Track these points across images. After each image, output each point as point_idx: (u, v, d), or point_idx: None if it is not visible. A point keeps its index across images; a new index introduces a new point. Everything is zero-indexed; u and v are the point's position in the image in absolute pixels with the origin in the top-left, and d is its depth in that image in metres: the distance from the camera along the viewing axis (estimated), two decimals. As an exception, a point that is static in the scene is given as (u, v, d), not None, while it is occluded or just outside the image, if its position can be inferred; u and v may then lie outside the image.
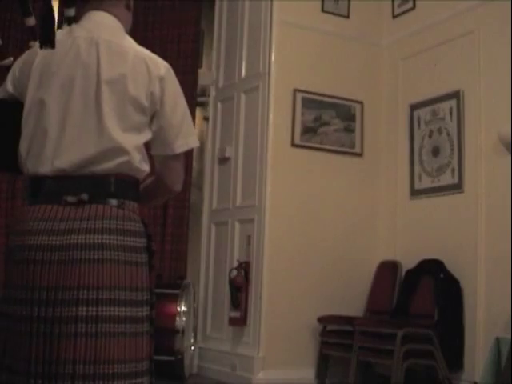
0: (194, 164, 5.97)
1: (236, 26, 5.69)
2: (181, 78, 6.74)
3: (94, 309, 1.71)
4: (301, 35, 5.39)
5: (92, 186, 1.79)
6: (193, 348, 5.37)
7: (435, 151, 5.13)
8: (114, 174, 1.80)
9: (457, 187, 4.90)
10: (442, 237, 4.96)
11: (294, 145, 5.28)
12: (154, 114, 1.87)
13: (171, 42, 5.90)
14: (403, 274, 5.12)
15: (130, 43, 1.91)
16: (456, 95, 4.96)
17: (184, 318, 5.04)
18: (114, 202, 1.80)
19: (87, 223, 1.75)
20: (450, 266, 4.77)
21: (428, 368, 4.56)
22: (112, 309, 1.72)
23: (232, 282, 5.17)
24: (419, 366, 4.62)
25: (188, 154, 5.77)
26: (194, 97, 5.88)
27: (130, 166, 1.81)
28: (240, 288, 5.13)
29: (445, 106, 5.06)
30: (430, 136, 5.19)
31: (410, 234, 5.27)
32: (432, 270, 4.82)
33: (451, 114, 5.01)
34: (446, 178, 5.00)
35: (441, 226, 4.98)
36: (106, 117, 1.78)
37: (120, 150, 1.78)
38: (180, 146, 1.93)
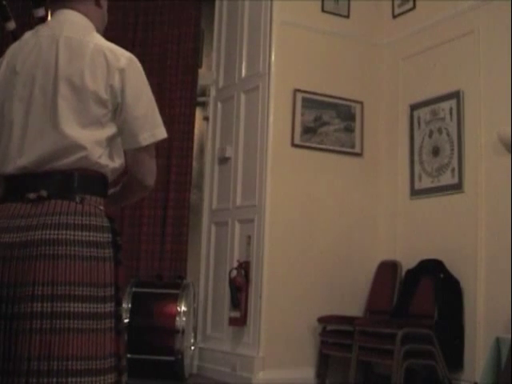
0: (194, 164, 5.97)
1: (236, 26, 5.69)
2: (181, 78, 6.77)
3: (49, 305, 1.69)
4: (301, 35, 5.40)
5: (52, 182, 1.79)
6: (193, 348, 5.37)
7: (435, 151, 5.13)
8: (76, 170, 1.80)
9: (457, 187, 4.90)
10: (442, 237, 4.96)
11: (293, 145, 5.28)
12: (116, 107, 1.85)
13: (171, 42, 5.91)
14: (403, 274, 5.13)
15: (94, 38, 1.88)
16: (456, 95, 4.96)
17: (184, 318, 5.04)
18: (74, 197, 1.79)
19: (45, 219, 1.76)
20: (450, 266, 4.77)
21: (428, 368, 4.56)
22: (68, 305, 1.70)
23: (232, 282, 5.17)
24: (419, 366, 4.61)
25: (188, 154, 5.79)
26: (194, 97, 5.89)
27: (90, 162, 1.80)
28: (240, 288, 5.13)
29: (445, 105, 5.06)
30: (430, 136, 5.19)
31: (410, 234, 5.27)
32: (432, 270, 4.82)
33: (451, 114, 5.01)
34: (446, 178, 5.00)
35: (441, 226, 4.99)
36: (61, 113, 1.79)
37: (76, 146, 1.78)
38: (146, 139, 1.89)
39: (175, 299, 5.09)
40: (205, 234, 5.83)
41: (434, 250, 4.94)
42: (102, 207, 1.84)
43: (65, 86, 1.81)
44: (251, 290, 5.11)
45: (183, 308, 5.06)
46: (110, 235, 1.83)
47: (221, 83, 5.86)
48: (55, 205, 1.77)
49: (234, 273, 5.19)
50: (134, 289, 5.18)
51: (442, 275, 4.74)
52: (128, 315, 5.03)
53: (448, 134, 5.03)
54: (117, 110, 1.85)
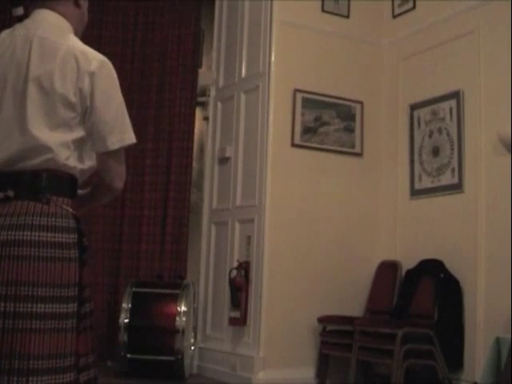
0: (194, 164, 5.97)
1: (236, 26, 5.69)
2: (181, 78, 6.76)
3: (12, 305, 1.71)
4: (301, 35, 5.40)
5: (19, 182, 1.80)
6: (193, 348, 5.37)
7: (435, 151, 5.13)
8: (44, 170, 1.80)
9: (457, 187, 4.90)
10: (441, 237, 4.96)
11: (293, 145, 5.28)
12: (85, 111, 1.84)
13: (171, 42, 5.91)
14: (403, 273, 5.12)
15: (68, 40, 1.88)
16: (456, 95, 4.96)
17: (184, 318, 5.04)
18: (40, 197, 1.79)
19: (11, 219, 1.76)
20: (450, 266, 4.77)
21: (428, 368, 4.56)
22: (30, 305, 1.71)
23: (232, 282, 5.17)
24: (419, 366, 4.61)
25: (188, 154, 5.79)
26: (194, 97, 5.89)
27: (57, 163, 1.80)
28: (240, 288, 5.13)
29: (445, 105, 5.06)
30: (430, 136, 5.19)
31: (410, 234, 5.27)
32: (432, 270, 4.82)
33: (451, 114, 5.01)
34: (446, 178, 5.00)
35: (441, 226, 4.99)
36: (29, 114, 1.79)
37: (43, 148, 1.78)
38: (114, 143, 1.88)
39: (175, 299, 5.09)
40: (205, 234, 5.83)
41: (434, 250, 4.94)
42: (69, 208, 1.84)
43: (34, 88, 1.81)
44: (251, 289, 5.11)
45: (183, 308, 5.06)
46: (76, 236, 1.83)
47: (221, 83, 5.86)
48: (21, 205, 1.78)
49: (234, 273, 5.19)
50: (134, 289, 5.18)
51: (442, 275, 4.74)
52: (128, 315, 5.03)
53: (448, 134, 5.03)
54: (86, 113, 1.84)
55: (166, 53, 5.90)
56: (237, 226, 5.40)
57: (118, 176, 1.95)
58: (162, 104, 5.84)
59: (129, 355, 4.99)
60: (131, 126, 1.93)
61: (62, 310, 1.76)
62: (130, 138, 1.92)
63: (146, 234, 5.69)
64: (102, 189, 1.99)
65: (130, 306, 5.07)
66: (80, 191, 1.99)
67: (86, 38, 1.95)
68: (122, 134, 1.90)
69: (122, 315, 5.04)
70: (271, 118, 5.22)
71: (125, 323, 5.01)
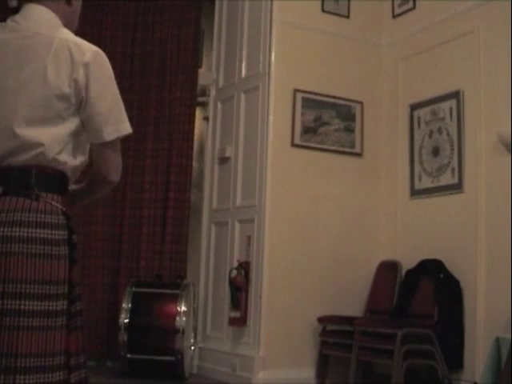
0: (194, 164, 5.97)
1: (236, 26, 5.69)
2: (181, 78, 6.76)
3: (0, 302, 1.70)
4: (301, 35, 5.39)
5: (9, 178, 1.78)
6: (193, 348, 5.37)
7: (435, 151, 5.13)
8: (34, 166, 1.78)
9: (457, 187, 4.90)
10: (441, 237, 4.96)
11: (294, 145, 5.28)
12: (81, 102, 1.83)
13: (171, 42, 5.91)
14: (403, 274, 5.12)
15: (61, 33, 1.87)
16: (456, 95, 4.96)
17: (184, 318, 5.04)
18: (30, 194, 1.77)
19: None
20: (450, 266, 4.77)
21: (428, 368, 4.56)
22: (18, 302, 1.70)
23: (232, 282, 5.17)
24: (419, 366, 4.61)
25: (188, 154, 5.79)
26: (194, 97, 5.89)
27: (47, 158, 1.79)
28: (240, 288, 5.13)
29: (445, 105, 5.06)
30: (430, 136, 5.19)
31: (410, 234, 5.27)
32: (432, 270, 4.82)
33: (451, 114, 5.01)
34: (446, 178, 5.00)
35: (441, 226, 4.98)
36: (19, 111, 1.78)
37: (32, 144, 1.77)
38: (110, 134, 1.86)
39: (175, 299, 5.09)
40: (205, 234, 5.83)
41: (434, 250, 4.94)
42: (58, 204, 1.82)
43: (26, 82, 1.80)
44: (251, 290, 5.11)
45: (183, 308, 5.06)
46: (66, 233, 1.82)
47: (221, 83, 5.86)
48: (10, 201, 1.76)
49: (234, 273, 5.19)
50: (134, 289, 5.18)
51: (441, 275, 4.74)
52: (128, 315, 5.03)
53: (448, 134, 5.03)
54: (81, 104, 1.83)
55: (166, 53, 5.90)
56: (237, 226, 5.40)
57: (115, 167, 1.93)
58: (162, 104, 5.84)
59: (129, 355, 4.99)
60: (127, 117, 1.91)
61: (50, 308, 1.74)
62: (126, 128, 1.90)
63: (145, 234, 5.69)
64: (98, 182, 1.98)
65: (129, 306, 5.07)
66: (74, 186, 1.97)
67: (86, 38, 1.94)
68: (117, 124, 1.88)
69: (122, 315, 5.04)
70: (271, 117, 5.22)
71: (125, 323, 5.01)
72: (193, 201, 5.92)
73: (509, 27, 4.54)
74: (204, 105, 6.07)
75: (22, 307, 1.70)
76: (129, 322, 5.01)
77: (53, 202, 1.81)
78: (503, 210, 4.50)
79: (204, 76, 5.98)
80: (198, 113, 6.01)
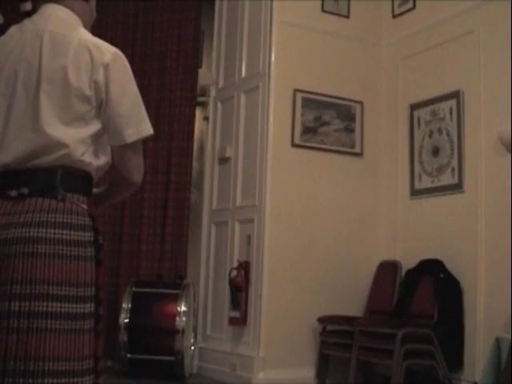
0: (194, 164, 5.97)
1: (236, 26, 5.69)
2: (181, 78, 6.75)
3: (27, 304, 1.66)
4: (301, 35, 5.40)
5: (34, 179, 1.76)
6: (193, 348, 5.37)
7: (435, 151, 5.13)
8: (59, 167, 1.76)
9: (457, 187, 4.90)
10: (441, 237, 4.96)
11: (294, 145, 5.28)
12: (101, 104, 1.81)
13: (171, 42, 5.91)
14: (403, 273, 5.12)
15: (79, 33, 1.85)
16: (456, 95, 4.96)
17: (184, 318, 5.04)
18: (55, 194, 1.75)
19: (25, 217, 1.72)
20: (450, 266, 4.77)
21: (428, 368, 4.56)
22: (46, 304, 1.67)
23: (232, 282, 5.17)
24: (419, 366, 4.61)
25: (188, 154, 5.79)
26: (194, 97, 5.89)
27: (72, 159, 1.77)
28: (240, 288, 5.13)
29: (445, 105, 5.06)
30: (430, 136, 5.19)
31: (410, 234, 5.27)
32: (432, 270, 4.82)
33: (451, 114, 5.01)
34: (446, 178, 5.00)
35: (441, 226, 4.98)
36: (43, 111, 1.76)
37: (58, 144, 1.75)
38: (131, 135, 1.84)
39: (175, 299, 5.09)
40: (205, 234, 5.83)
41: (434, 250, 4.94)
42: (84, 205, 1.80)
43: (48, 83, 1.77)
44: (251, 290, 5.11)
45: (183, 308, 5.06)
46: (92, 234, 1.80)
47: (221, 83, 5.86)
48: (36, 202, 1.74)
49: (234, 273, 5.19)
50: (134, 289, 5.18)
51: (441, 275, 4.74)
52: (128, 315, 5.03)
53: (448, 134, 5.03)
54: (101, 106, 1.81)
55: (166, 53, 5.90)
56: (237, 225, 5.40)
57: (136, 169, 1.91)
58: (162, 104, 5.84)
59: (129, 355, 4.99)
60: (147, 117, 1.89)
61: (78, 310, 1.71)
62: (147, 129, 1.88)
63: (145, 234, 5.69)
64: (120, 183, 1.95)
65: (129, 305, 5.07)
66: (96, 189, 1.95)
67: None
68: (138, 125, 1.85)
69: (122, 315, 5.04)
70: (271, 118, 5.22)
71: (125, 323, 5.01)
72: (193, 201, 5.92)
73: (509, 27, 4.54)
74: (204, 105, 6.07)
75: (50, 309, 1.67)
76: (129, 322, 5.01)
77: (78, 203, 1.79)
78: (503, 210, 4.50)
79: (204, 76, 5.98)
80: (198, 113, 6.01)
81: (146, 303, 5.14)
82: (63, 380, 1.66)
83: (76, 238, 1.75)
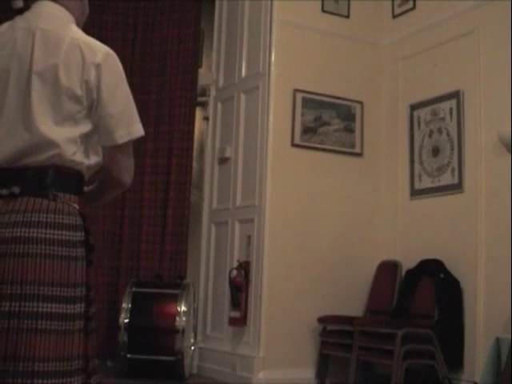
0: (194, 164, 5.97)
1: (236, 26, 5.69)
2: (181, 78, 6.75)
3: (17, 304, 1.66)
4: (301, 35, 5.40)
5: (25, 178, 1.75)
6: (193, 348, 5.37)
7: (435, 151, 5.13)
8: (50, 166, 1.75)
9: (457, 187, 4.90)
10: (442, 237, 4.96)
11: (294, 145, 5.28)
12: (92, 104, 1.79)
13: (171, 42, 5.91)
14: (403, 274, 5.12)
15: (71, 32, 1.83)
16: (456, 95, 4.96)
17: (184, 318, 5.04)
18: (46, 194, 1.74)
19: (16, 216, 1.72)
20: (450, 266, 4.77)
21: (428, 368, 4.56)
22: (36, 304, 1.66)
23: (232, 282, 5.17)
24: (419, 366, 4.61)
25: (188, 154, 5.79)
26: (194, 97, 5.89)
27: (64, 159, 1.76)
28: (240, 288, 5.13)
29: (445, 105, 5.06)
30: (430, 136, 5.19)
31: (410, 234, 5.27)
32: (432, 270, 4.82)
33: (451, 114, 5.01)
34: (446, 178, 5.00)
35: (441, 226, 4.98)
36: (34, 110, 1.75)
37: (49, 144, 1.74)
38: (122, 136, 1.83)
39: (175, 299, 5.10)
40: (205, 234, 5.83)
41: (434, 250, 4.94)
42: (75, 205, 1.79)
43: (38, 82, 1.76)
44: (251, 289, 5.11)
45: (183, 308, 5.06)
46: (83, 234, 1.79)
47: (221, 83, 5.86)
48: (27, 202, 1.73)
49: (234, 273, 5.19)
50: (134, 289, 5.18)
51: (441, 275, 4.74)
52: (128, 315, 5.03)
53: (448, 134, 5.03)
54: (92, 106, 1.80)
55: (166, 53, 5.90)
56: (237, 225, 5.40)
57: (127, 170, 1.90)
58: (162, 104, 5.84)
59: (129, 355, 4.99)
60: (139, 118, 1.88)
61: (69, 311, 1.71)
62: (138, 130, 1.87)
63: (145, 234, 5.69)
64: (110, 184, 1.94)
65: (129, 305, 5.07)
66: (85, 188, 1.94)
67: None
68: (129, 126, 1.85)
69: (122, 315, 5.04)
70: (271, 117, 5.22)
71: (125, 323, 5.01)
72: (193, 201, 5.92)
73: (509, 27, 4.54)
74: (204, 105, 6.06)
75: (40, 309, 1.67)
76: (129, 322, 5.01)
77: (70, 203, 1.78)
78: (503, 210, 4.49)
79: (204, 76, 5.98)
80: (198, 113, 6.01)
81: (146, 303, 5.15)
82: (53, 380, 1.66)
83: (67, 238, 1.74)
